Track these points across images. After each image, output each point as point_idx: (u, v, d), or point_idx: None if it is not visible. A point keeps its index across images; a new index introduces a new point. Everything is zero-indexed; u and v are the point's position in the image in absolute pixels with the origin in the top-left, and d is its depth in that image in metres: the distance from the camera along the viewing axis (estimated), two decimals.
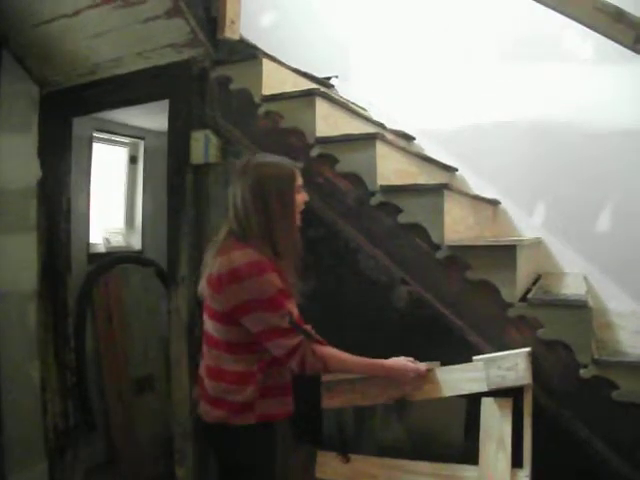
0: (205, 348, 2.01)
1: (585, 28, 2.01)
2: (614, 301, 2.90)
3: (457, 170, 3.35)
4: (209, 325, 1.96)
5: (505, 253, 2.14)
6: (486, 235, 2.94)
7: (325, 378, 2.27)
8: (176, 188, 2.76)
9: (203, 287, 1.94)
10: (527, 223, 3.21)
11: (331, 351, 1.91)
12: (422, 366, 2.07)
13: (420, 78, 3.54)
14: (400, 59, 3.61)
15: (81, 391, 3.62)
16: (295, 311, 1.86)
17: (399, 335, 2.29)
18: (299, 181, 2.01)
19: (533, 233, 3.13)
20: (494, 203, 3.19)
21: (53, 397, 3.37)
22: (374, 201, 2.35)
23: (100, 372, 3.93)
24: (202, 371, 2.03)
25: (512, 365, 2.00)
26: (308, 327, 1.90)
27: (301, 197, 2.02)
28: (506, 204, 3.26)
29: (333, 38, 3.79)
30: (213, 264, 1.90)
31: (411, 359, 2.08)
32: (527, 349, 2.03)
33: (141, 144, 4.53)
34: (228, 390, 1.90)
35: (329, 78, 3.69)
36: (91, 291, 3.85)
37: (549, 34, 3.13)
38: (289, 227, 1.94)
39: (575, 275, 2.92)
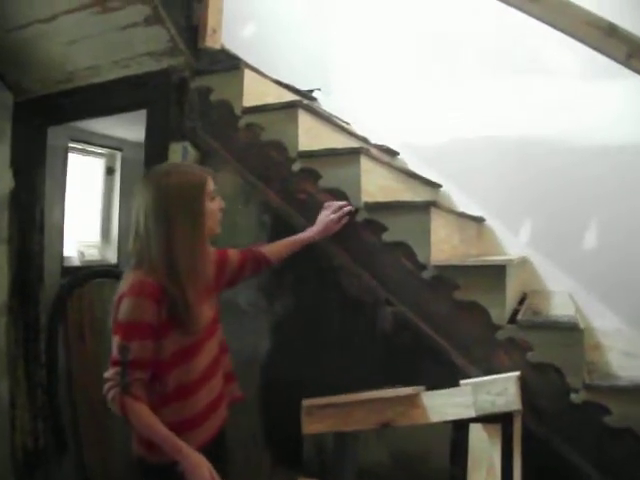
0: None
1: (575, 42, 1.95)
2: (599, 319, 2.86)
3: (441, 186, 3.31)
4: None
5: (494, 273, 2.10)
6: (472, 253, 2.89)
7: (306, 402, 2.19)
8: None
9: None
10: (512, 241, 3.18)
11: (139, 409, 1.67)
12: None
13: (404, 92, 3.51)
14: (383, 72, 3.58)
15: (52, 409, 3.50)
16: (138, 353, 1.68)
17: (383, 358, 2.23)
18: (212, 186, 1.86)
19: (518, 251, 3.09)
20: (479, 220, 3.16)
21: (23, 415, 3.29)
22: (358, 218, 2.29)
23: (72, 390, 3.78)
24: None
25: (501, 390, 1.94)
26: (137, 375, 1.68)
27: (215, 204, 1.88)
28: (491, 222, 3.23)
29: (315, 50, 3.77)
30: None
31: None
32: (516, 373, 1.97)
33: (118, 155, 4.48)
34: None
35: (311, 91, 3.66)
36: (64, 306, 3.73)
37: (536, 48, 3.11)
38: (196, 241, 1.79)
39: (561, 293, 2.89)
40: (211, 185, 1.86)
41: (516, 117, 3.17)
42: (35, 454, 3.33)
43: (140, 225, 1.77)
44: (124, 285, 1.74)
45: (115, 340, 1.70)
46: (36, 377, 3.35)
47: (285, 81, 3.02)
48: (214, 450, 1.82)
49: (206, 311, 1.85)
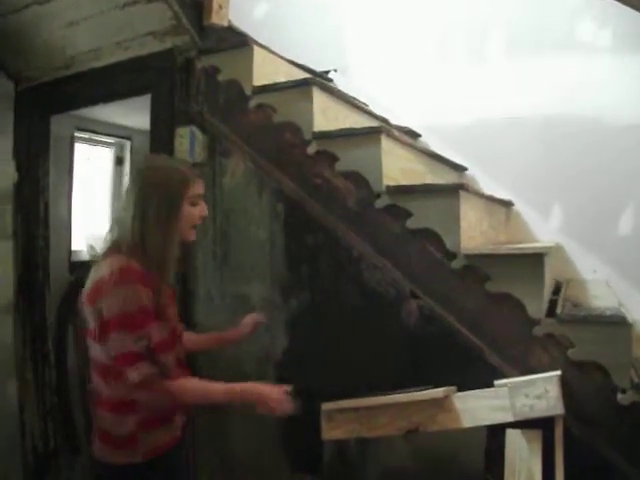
0: None
1: (605, 18, 1.79)
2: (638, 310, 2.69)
3: (466, 169, 3.19)
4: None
5: (531, 262, 2.02)
6: (500, 240, 2.81)
7: (326, 406, 2.05)
8: None
9: (80, 303, 1.77)
10: (542, 226, 3.06)
11: (186, 384, 1.76)
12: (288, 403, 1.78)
13: (425, 71, 3.40)
14: (403, 51, 3.48)
15: (63, 411, 3.43)
16: (157, 336, 1.71)
17: (408, 356, 2.10)
18: (195, 191, 1.82)
19: (549, 237, 2.98)
20: (508, 205, 3.05)
21: (32, 418, 3.22)
22: (380, 204, 2.17)
23: (84, 390, 3.59)
24: None
25: (542, 392, 1.79)
26: (168, 356, 1.75)
27: (196, 210, 1.84)
28: (519, 206, 3.12)
29: (330, 29, 3.67)
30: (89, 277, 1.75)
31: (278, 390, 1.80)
32: (557, 372, 1.82)
33: (127, 144, 4.41)
34: (109, 421, 1.75)
35: (327, 72, 3.60)
36: (73, 303, 3.54)
37: (564, 22, 2.99)
38: (166, 236, 1.76)
39: (597, 282, 2.79)
40: (196, 189, 1.83)
41: (544, 96, 3.05)
42: (46, 457, 3.26)
43: (120, 215, 1.79)
44: (103, 269, 1.69)
45: (116, 336, 1.66)
46: (45, 378, 3.28)
47: (298, 62, 2.94)
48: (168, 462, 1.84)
49: (171, 308, 1.86)
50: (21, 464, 3.18)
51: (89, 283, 1.71)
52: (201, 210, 1.85)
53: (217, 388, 1.75)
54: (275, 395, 1.73)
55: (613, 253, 2.86)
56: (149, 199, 1.73)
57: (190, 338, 2.08)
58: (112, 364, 1.68)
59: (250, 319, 2.15)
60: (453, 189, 2.09)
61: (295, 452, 2.36)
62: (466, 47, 3.28)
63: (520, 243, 2.79)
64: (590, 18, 2.86)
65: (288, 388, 1.76)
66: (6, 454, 3.10)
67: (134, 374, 1.64)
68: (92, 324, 1.70)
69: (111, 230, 1.80)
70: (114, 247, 1.74)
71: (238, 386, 1.76)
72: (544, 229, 3.04)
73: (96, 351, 1.73)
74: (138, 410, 1.71)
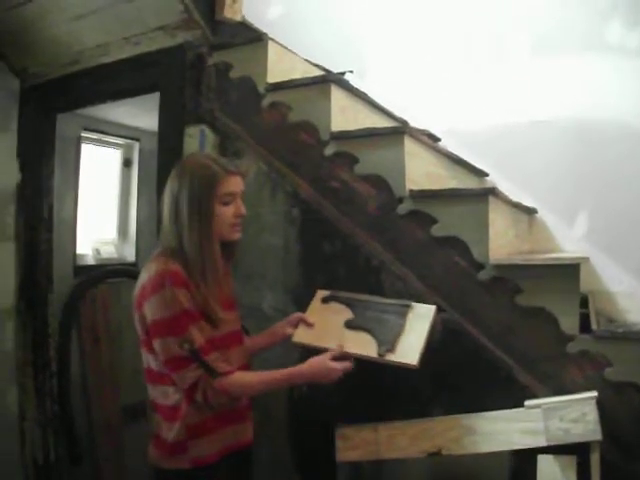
0: None
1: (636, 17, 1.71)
2: None
3: (488, 175, 3.04)
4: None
5: (565, 273, 1.90)
6: (524, 250, 2.68)
7: (340, 431, 1.95)
8: None
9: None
10: (566, 235, 2.92)
11: (237, 379, 1.72)
12: (347, 363, 1.78)
13: (445, 74, 3.28)
14: (421, 53, 3.37)
15: (65, 420, 3.39)
16: (200, 337, 1.67)
17: (432, 373, 1.96)
18: (225, 189, 1.74)
19: (573, 247, 2.86)
20: (531, 212, 2.92)
21: (33, 427, 3.19)
22: (402, 209, 2.09)
23: (86, 399, 3.73)
24: None
25: (578, 416, 1.67)
26: (213, 356, 1.69)
27: (229, 210, 1.76)
28: (542, 213, 2.98)
29: (347, 31, 3.57)
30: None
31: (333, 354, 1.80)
32: (594, 393, 1.70)
33: (136, 146, 4.37)
34: (161, 427, 1.76)
35: (343, 73, 3.45)
36: (77, 308, 3.64)
37: (589, 22, 2.88)
38: (202, 238, 1.71)
39: (625, 294, 2.64)
40: (226, 187, 1.75)
41: (570, 99, 2.94)
42: (46, 468, 3.23)
43: (161, 215, 1.79)
44: (144, 274, 1.71)
45: (161, 341, 1.67)
46: (46, 385, 3.25)
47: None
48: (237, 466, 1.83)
49: (226, 313, 1.80)
50: (21, 475, 3.14)
51: (135, 289, 1.72)
52: (236, 209, 1.78)
53: (276, 376, 1.75)
54: (336, 369, 1.74)
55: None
56: (180, 201, 1.71)
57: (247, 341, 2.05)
58: (161, 370, 1.70)
59: (296, 317, 2.04)
60: (482, 194, 1.98)
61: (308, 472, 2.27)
62: (487, 48, 3.17)
63: (544, 253, 2.69)
64: (618, 19, 2.76)
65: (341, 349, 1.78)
66: (5, 464, 3.07)
67: (183, 378, 1.65)
68: (140, 332, 1.72)
69: (158, 233, 1.82)
70: (161, 250, 1.75)
71: (297, 370, 1.76)
72: (568, 238, 2.91)
73: (147, 359, 1.74)
74: (186, 416, 1.70)
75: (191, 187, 1.70)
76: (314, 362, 1.77)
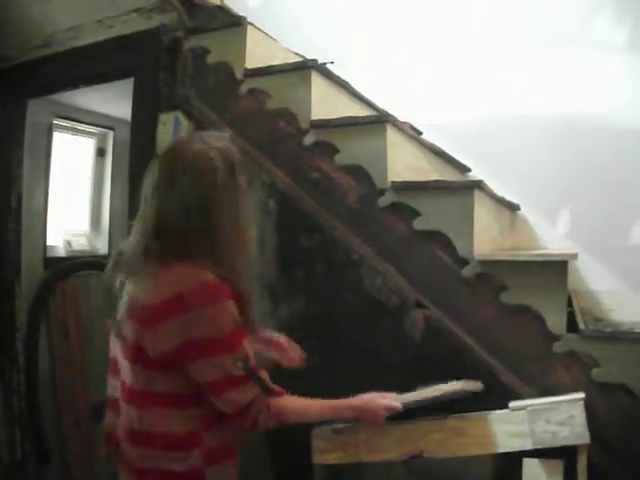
0: (122, 404, 1.59)
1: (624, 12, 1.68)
2: None
3: (470, 170, 3.02)
4: (128, 373, 1.55)
5: (552, 271, 1.88)
6: (506, 247, 2.66)
7: (318, 432, 1.89)
8: (139, 180, 2.41)
9: (123, 320, 1.52)
10: (548, 232, 2.92)
11: (288, 403, 1.60)
12: (396, 403, 1.70)
13: (427, 65, 3.25)
14: (404, 43, 3.33)
15: (32, 418, 3.33)
16: (251, 352, 1.53)
17: (412, 373, 1.95)
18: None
19: (557, 245, 2.84)
20: (514, 208, 2.90)
21: None
22: (384, 202, 2.06)
23: (55, 396, 3.65)
24: (119, 432, 1.61)
25: (565, 418, 1.64)
26: (264, 373, 1.57)
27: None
28: (525, 210, 2.98)
29: (327, 20, 3.53)
30: (133, 290, 1.51)
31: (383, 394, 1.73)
32: (581, 395, 1.68)
33: (110, 135, 4.32)
34: (173, 458, 1.52)
35: (324, 64, 3.34)
36: (46, 301, 3.55)
37: (577, 18, 2.88)
38: (237, 233, 1.59)
39: (607, 293, 2.62)
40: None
41: (556, 95, 2.93)
42: (12, 467, 3.21)
43: (172, 212, 1.54)
44: (179, 279, 1.48)
45: (209, 360, 1.49)
46: (13, 381, 3.23)
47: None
48: None
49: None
50: None
51: (147, 297, 1.50)
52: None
53: (320, 406, 1.66)
54: (384, 408, 1.67)
55: (624, 263, 2.73)
56: (214, 189, 1.56)
57: None
58: (192, 391, 1.51)
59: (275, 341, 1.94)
60: (468, 187, 1.95)
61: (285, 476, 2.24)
62: (471, 39, 3.14)
63: (526, 250, 2.67)
64: (606, 14, 2.75)
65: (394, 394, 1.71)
66: None
67: (234, 399, 1.50)
68: (152, 348, 1.48)
69: (145, 233, 1.59)
70: (160, 255, 1.56)
71: (346, 403, 1.67)
72: (550, 236, 2.90)
73: (151, 380, 1.52)
74: (204, 443, 1.53)
75: (225, 172, 1.56)
76: (365, 399, 1.69)
